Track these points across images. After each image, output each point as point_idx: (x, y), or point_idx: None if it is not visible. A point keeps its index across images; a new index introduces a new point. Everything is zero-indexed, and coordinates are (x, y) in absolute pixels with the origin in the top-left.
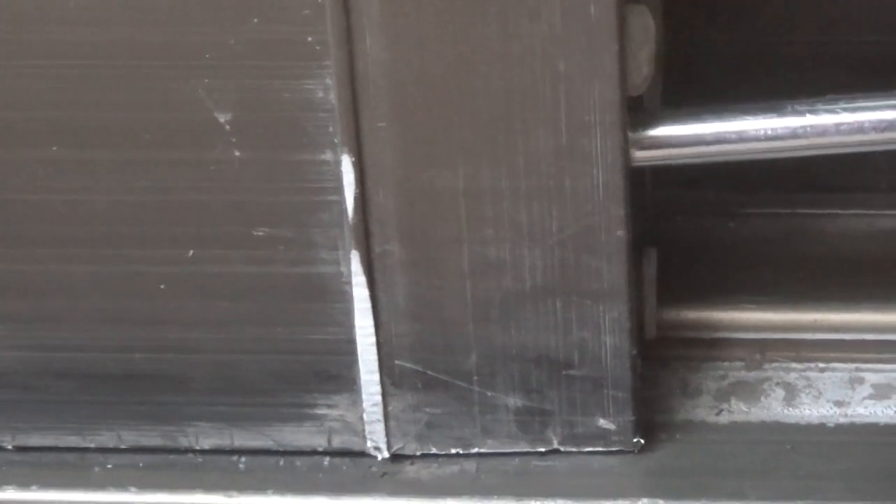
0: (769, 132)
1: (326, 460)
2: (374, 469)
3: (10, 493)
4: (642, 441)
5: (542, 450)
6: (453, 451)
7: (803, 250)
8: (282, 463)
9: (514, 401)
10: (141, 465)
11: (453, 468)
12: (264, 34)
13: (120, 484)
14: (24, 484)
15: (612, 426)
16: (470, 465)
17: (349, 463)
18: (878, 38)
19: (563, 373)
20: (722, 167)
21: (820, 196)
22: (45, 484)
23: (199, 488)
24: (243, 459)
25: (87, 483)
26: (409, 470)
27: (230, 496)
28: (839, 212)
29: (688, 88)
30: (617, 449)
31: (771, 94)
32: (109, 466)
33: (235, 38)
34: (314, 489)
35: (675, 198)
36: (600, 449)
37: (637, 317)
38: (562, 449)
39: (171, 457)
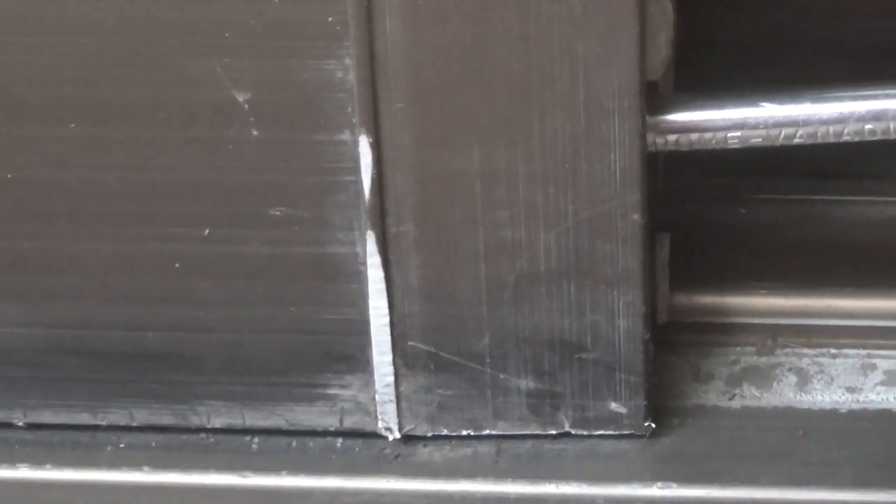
0: (786, 118)
1: (339, 442)
2: (387, 451)
3: (24, 472)
4: (653, 425)
5: (554, 432)
6: (465, 432)
7: (815, 237)
8: (294, 444)
9: (526, 383)
10: (154, 444)
11: (466, 451)
12: (284, 14)
13: (133, 463)
14: (37, 462)
15: (623, 410)
16: (483, 448)
17: (362, 444)
18: (893, 26)
19: (576, 356)
20: (734, 153)
21: (832, 183)
22: (59, 463)
23: (213, 468)
24: (256, 440)
25: (100, 462)
26: (423, 452)
27: (244, 476)
28: (851, 198)
29: (700, 75)
30: (628, 432)
31: (783, 82)
32: (122, 446)
33: (256, 18)
34: (327, 470)
35: (687, 184)
36: (611, 432)
37: (650, 301)
38: (573, 432)
39: (184, 437)
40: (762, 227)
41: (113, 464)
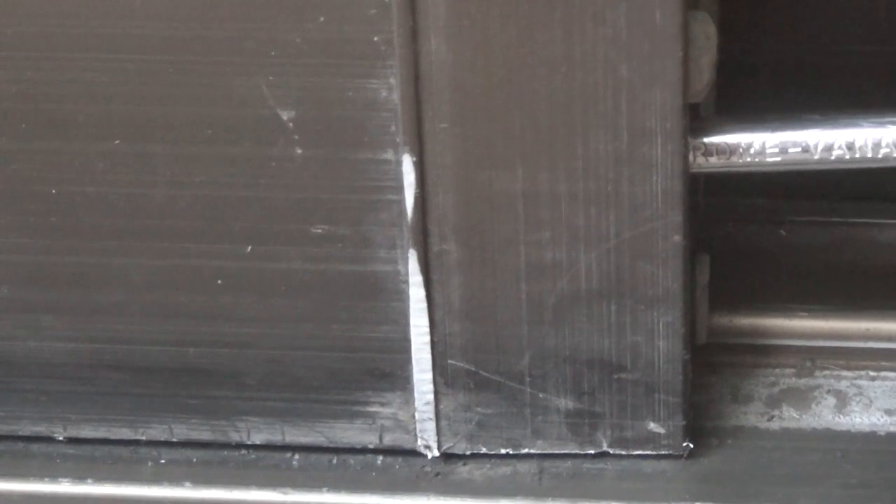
0: (829, 144)
1: (379, 459)
2: (427, 469)
3: (66, 486)
4: (691, 445)
5: (592, 452)
6: (503, 451)
7: (854, 259)
8: (335, 461)
9: (565, 403)
10: (194, 460)
11: (506, 469)
12: (330, 33)
13: (174, 479)
14: (79, 477)
15: (661, 430)
16: (522, 467)
17: (402, 462)
18: None
19: (615, 376)
20: (774, 175)
21: (871, 205)
22: (100, 477)
23: (254, 484)
24: (297, 457)
25: (141, 477)
26: (462, 470)
27: (284, 493)
28: (890, 221)
29: (741, 97)
30: (666, 453)
31: (824, 105)
32: (163, 461)
33: (301, 37)
34: (367, 488)
35: (727, 205)
36: (649, 452)
37: (689, 322)
38: (611, 451)
39: (225, 452)
40: (802, 249)
41: (154, 479)
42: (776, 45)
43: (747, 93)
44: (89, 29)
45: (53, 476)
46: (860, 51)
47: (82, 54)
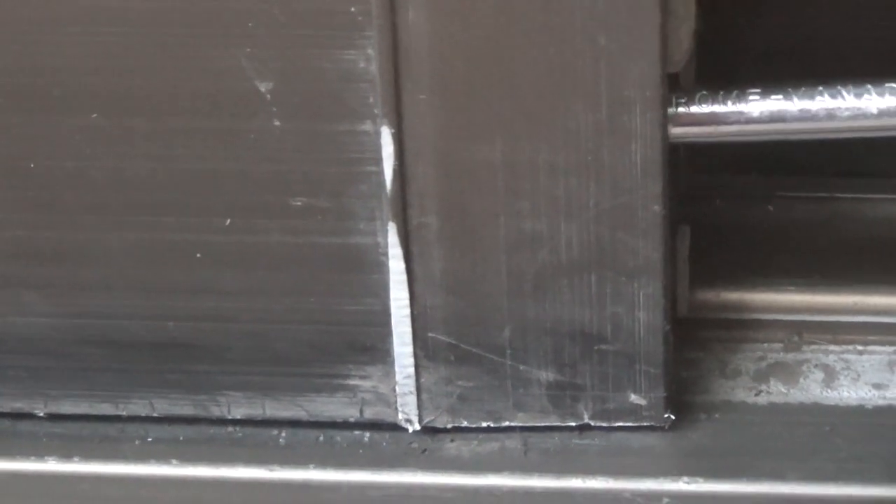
0: (807, 113)
1: (367, 436)
2: (414, 445)
3: (53, 465)
4: (672, 417)
5: (573, 423)
6: (484, 424)
7: (842, 234)
8: (321, 438)
9: (546, 375)
10: (181, 438)
11: (493, 445)
12: (308, 4)
13: (161, 456)
14: (65, 455)
15: (643, 402)
16: (510, 443)
17: (389, 438)
18: None
19: (596, 348)
20: (762, 151)
21: (859, 181)
22: (87, 456)
23: (241, 462)
24: (283, 434)
25: (128, 455)
26: (450, 447)
27: (272, 470)
28: (878, 196)
29: (723, 70)
30: (647, 425)
31: (806, 77)
32: (150, 439)
33: (279, 8)
34: (355, 464)
35: (715, 181)
36: (631, 424)
37: (670, 293)
38: (592, 424)
39: (212, 430)
40: (790, 224)
41: (141, 457)
42: (758, 15)
43: (731, 67)
44: (67, 2)
45: (40, 454)
46: (843, 23)
47: (60, 27)
